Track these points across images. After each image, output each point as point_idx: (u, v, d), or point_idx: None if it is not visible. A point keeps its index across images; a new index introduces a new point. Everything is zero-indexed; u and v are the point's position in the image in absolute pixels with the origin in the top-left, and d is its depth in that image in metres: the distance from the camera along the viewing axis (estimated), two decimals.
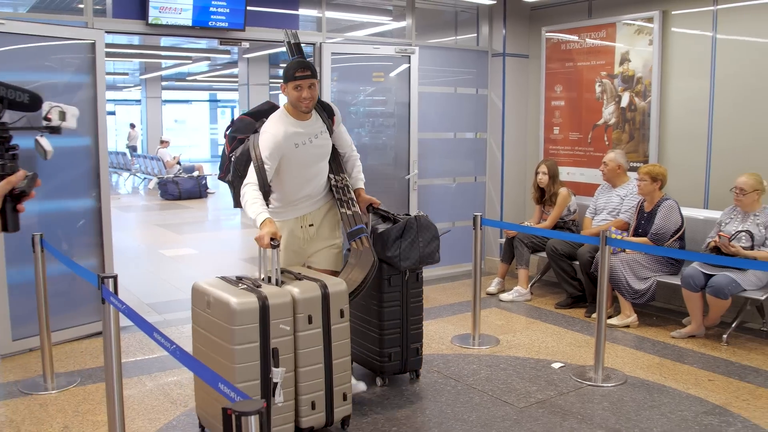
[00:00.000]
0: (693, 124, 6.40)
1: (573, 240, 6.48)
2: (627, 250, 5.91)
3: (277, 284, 3.69)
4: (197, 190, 16.39)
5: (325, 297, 3.68)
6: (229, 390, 1.94)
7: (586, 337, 5.72)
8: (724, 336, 5.55)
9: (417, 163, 7.23)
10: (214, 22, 6.08)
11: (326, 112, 4.29)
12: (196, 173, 17.30)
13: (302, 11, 7.10)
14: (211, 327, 3.56)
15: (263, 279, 3.76)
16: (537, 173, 6.98)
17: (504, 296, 6.89)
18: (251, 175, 3.97)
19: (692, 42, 6.38)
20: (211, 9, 6.04)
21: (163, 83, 24.07)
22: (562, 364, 5.07)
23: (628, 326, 5.98)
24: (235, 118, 4.44)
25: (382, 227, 4.42)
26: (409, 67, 7.11)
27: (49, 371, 4.63)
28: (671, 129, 6.59)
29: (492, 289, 7.06)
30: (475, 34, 8.16)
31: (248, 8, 6.20)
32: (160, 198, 16.23)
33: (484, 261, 7.67)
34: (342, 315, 3.76)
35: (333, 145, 4.39)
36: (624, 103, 6.92)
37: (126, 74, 22.81)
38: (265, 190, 3.98)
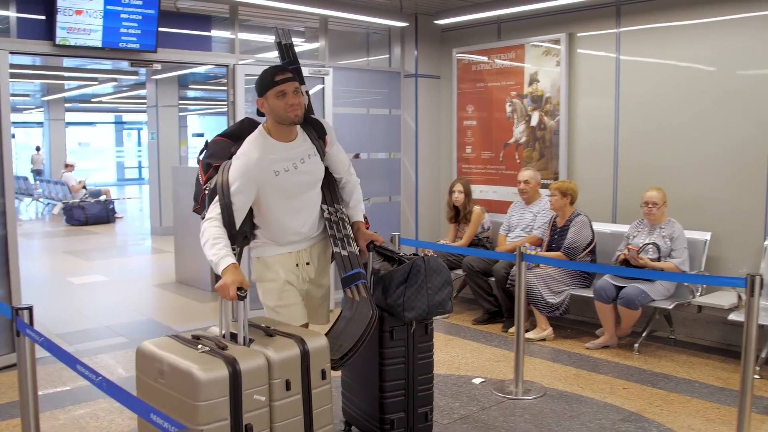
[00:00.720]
0: (600, 141, 6.63)
1: (488, 257, 6.61)
2: (541, 265, 6.06)
3: (245, 343, 2.99)
4: (104, 215, 15.91)
5: (305, 355, 3.00)
6: (162, 420, 1.90)
7: (504, 352, 5.82)
8: (636, 345, 5.76)
9: None
10: (124, 44, 5.96)
11: (315, 131, 3.58)
12: (102, 197, 16.82)
13: (215, 33, 7.05)
14: (166, 402, 2.80)
15: (224, 336, 3.08)
16: (452, 192, 7.07)
17: None
18: (214, 208, 3.30)
19: (597, 63, 6.63)
20: (122, 30, 5.91)
21: (67, 105, 23.33)
22: (483, 380, 5.15)
23: (544, 339, 6.12)
24: (209, 141, 3.73)
25: (384, 269, 3.76)
26: (323, 88, 7.12)
27: None
28: (579, 146, 6.82)
29: None
30: (388, 56, 8.26)
31: (160, 29, 6.10)
32: (65, 224, 15.68)
33: None
34: (324, 376, 3.09)
35: (326, 169, 3.70)
36: (534, 122, 7.12)
37: (27, 96, 22.02)
38: (233, 233, 3.29)
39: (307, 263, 3.63)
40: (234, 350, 2.87)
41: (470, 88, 7.75)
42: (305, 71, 6.93)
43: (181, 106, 14.58)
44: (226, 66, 6.75)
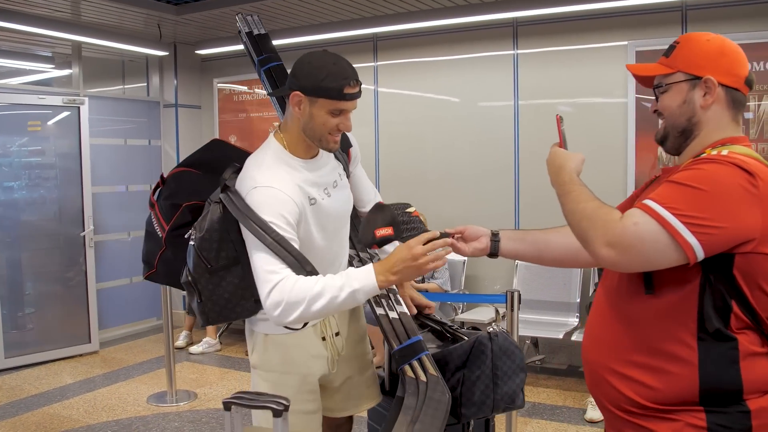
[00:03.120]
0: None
1: None
2: None
3: None
4: None
5: None
6: None
7: None
8: None
9: (92, 218, 6.80)
10: None
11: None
12: None
13: None
14: None
15: None
16: None
17: (193, 349, 6.74)
18: (268, 262, 2.14)
19: None
20: None
21: None
22: None
23: None
24: (164, 175, 2.66)
25: (434, 347, 2.68)
26: (79, 117, 6.69)
27: None
28: None
29: (180, 342, 6.85)
30: (146, 84, 7.99)
31: None
32: None
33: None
34: None
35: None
36: None
37: None
38: (307, 270, 2.17)
39: (337, 333, 2.60)
40: None
41: (232, 117, 7.71)
42: (59, 100, 6.56)
43: None
44: None
